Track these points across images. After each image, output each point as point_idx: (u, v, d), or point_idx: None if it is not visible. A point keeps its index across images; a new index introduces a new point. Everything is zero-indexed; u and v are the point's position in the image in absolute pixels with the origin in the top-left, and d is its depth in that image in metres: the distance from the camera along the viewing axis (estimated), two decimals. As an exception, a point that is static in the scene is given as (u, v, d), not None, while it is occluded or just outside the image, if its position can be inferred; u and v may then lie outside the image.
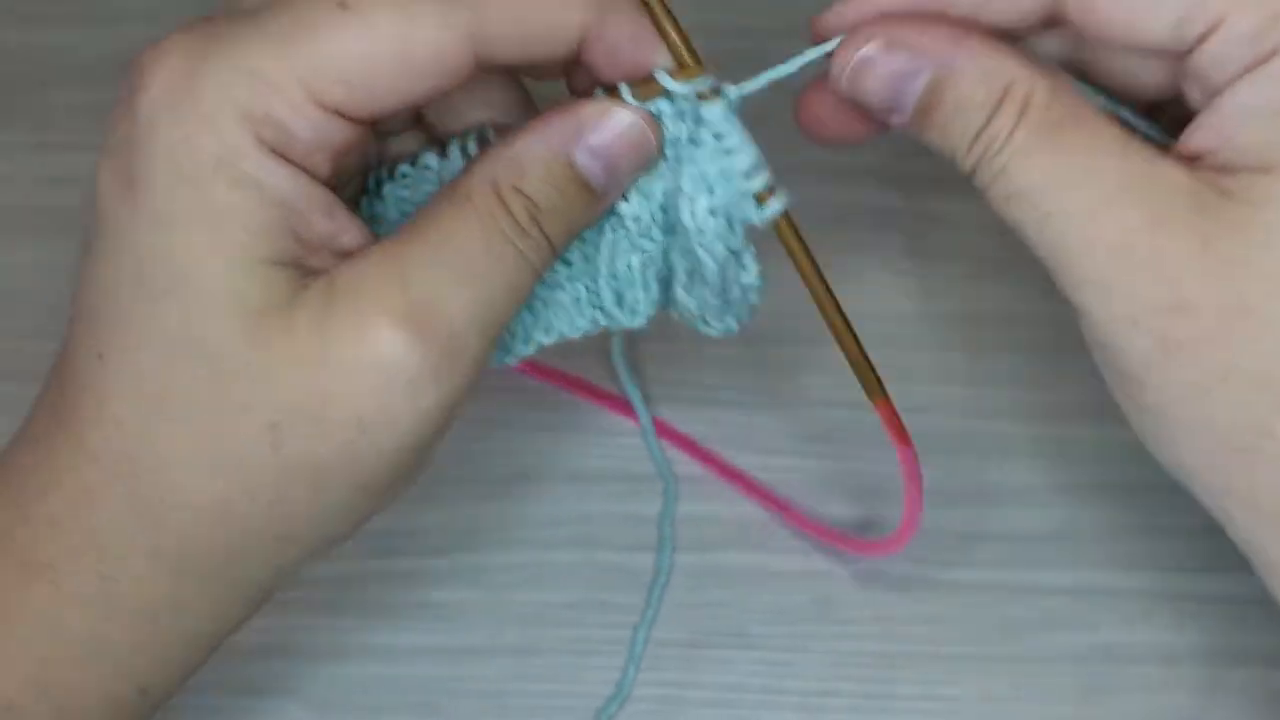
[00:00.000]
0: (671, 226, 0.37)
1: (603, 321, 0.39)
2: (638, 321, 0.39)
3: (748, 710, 0.46)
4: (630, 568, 0.47)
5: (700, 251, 0.36)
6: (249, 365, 0.32)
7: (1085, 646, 0.46)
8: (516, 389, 0.50)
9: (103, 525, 0.34)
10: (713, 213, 0.36)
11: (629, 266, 0.37)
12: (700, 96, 0.35)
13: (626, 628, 0.47)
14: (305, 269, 0.33)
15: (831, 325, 0.37)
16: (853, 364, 0.38)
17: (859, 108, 0.36)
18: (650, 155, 0.35)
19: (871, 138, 0.37)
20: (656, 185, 0.36)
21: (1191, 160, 0.33)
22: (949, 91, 0.34)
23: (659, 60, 0.35)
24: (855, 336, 0.38)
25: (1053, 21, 0.34)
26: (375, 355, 0.32)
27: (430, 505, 0.48)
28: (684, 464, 0.49)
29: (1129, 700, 0.46)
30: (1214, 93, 0.33)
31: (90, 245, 0.34)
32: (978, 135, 0.33)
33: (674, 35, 0.35)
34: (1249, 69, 0.32)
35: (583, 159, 0.34)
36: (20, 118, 0.55)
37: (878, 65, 0.34)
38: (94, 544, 0.34)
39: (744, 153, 0.35)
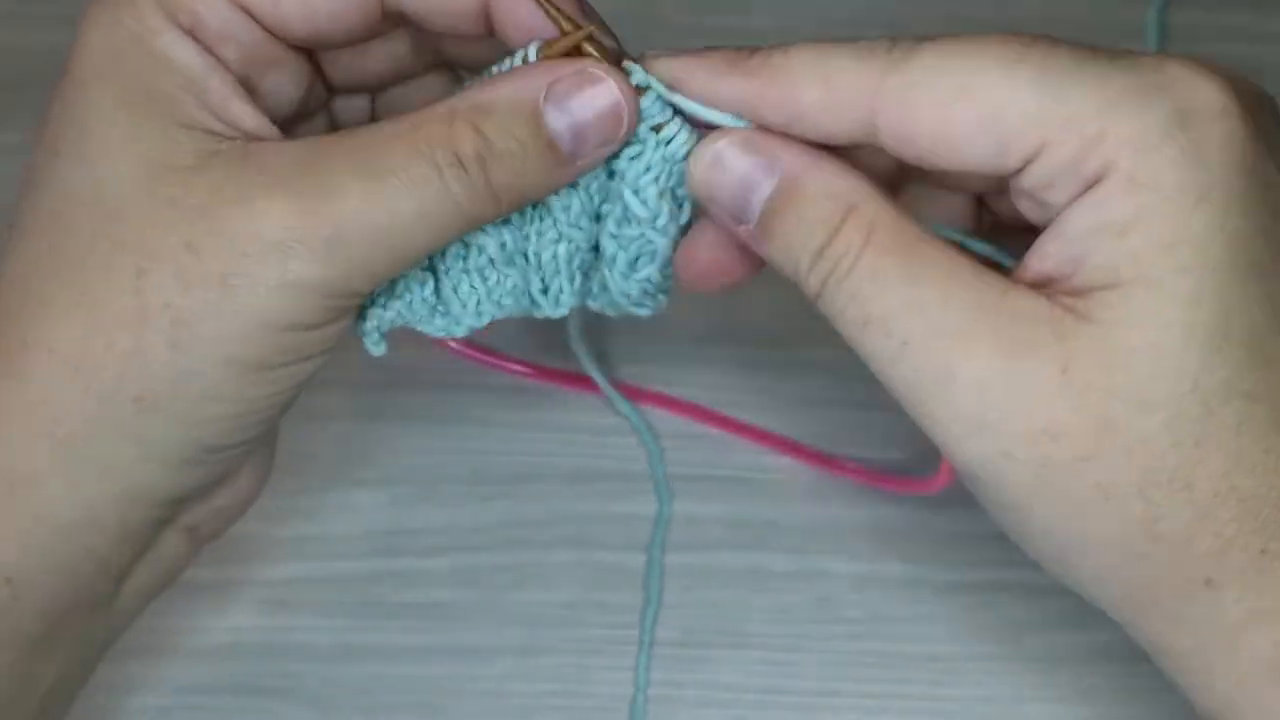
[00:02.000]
0: (597, 214, 0.37)
1: (528, 308, 0.39)
2: (559, 311, 0.39)
3: (748, 710, 0.46)
4: (629, 567, 0.47)
5: (653, 234, 0.36)
6: (136, 210, 0.33)
7: (1085, 646, 0.46)
8: (516, 389, 0.50)
9: None
10: (662, 196, 0.36)
11: (554, 256, 0.37)
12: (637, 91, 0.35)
13: (625, 627, 0.47)
14: (217, 135, 0.34)
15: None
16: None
17: (714, 215, 0.36)
18: (622, 132, 0.35)
19: (748, 277, 0.37)
20: (587, 175, 0.36)
21: (1043, 286, 0.32)
22: (794, 204, 0.34)
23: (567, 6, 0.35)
24: None
25: (869, 144, 0.34)
26: (251, 217, 0.32)
27: (430, 505, 0.48)
28: (684, 465, 0.49)
29: (1129, 700, 0.45)
30: (1048, 211, 0.32)
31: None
32: (820, 252, 0.33)
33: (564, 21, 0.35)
34: (1079, 192, 0.32)
35: (552, 116, 0.34)
36: (20, 118, 0.55)
37: (728, 167, 0.34)
38: None
39: (681, 137, 0.35)
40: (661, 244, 0.37)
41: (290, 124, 0.38)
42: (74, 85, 0.34)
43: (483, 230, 0.36)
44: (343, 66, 0.38)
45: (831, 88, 0.33)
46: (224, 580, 0.47)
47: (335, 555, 0.48)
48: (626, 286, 0.38)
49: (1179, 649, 0.34)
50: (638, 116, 0.35)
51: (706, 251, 0.37)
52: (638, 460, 0.49)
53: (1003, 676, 0.46)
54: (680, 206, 0.37)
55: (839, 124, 0.33)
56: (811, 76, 0.33)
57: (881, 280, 0.32)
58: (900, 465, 0.48)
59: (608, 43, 0.35)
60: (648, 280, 0.38)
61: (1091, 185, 0.31)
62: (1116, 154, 0.31)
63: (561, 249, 0.37)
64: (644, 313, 0.39)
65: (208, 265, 0.32)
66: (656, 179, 0.36)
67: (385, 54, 0.38)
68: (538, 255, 0.37)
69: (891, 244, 0.33)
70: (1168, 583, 0.33)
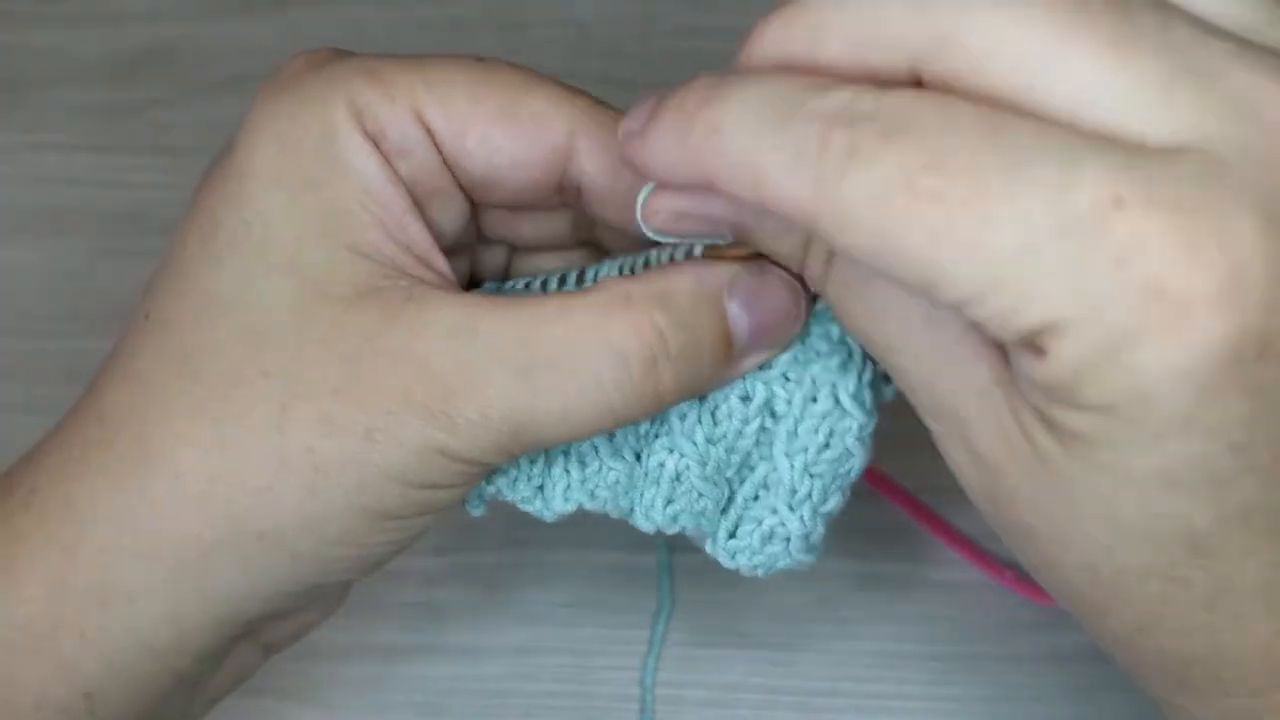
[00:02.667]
0: (737, 445, 0.34)
1: (626, 510, 0.36)
2: (647, 525, 0.35)
3: (748, 710, 0.46)
4: (630, 567, 0.47)
5: (856, 445, 0.34)
6: (288, 338, 0.31)
7: (1085, 646, 0.46)
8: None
9: (81, 491, 0.32)
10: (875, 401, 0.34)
11: (660, 464, 0.34)
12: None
13: (626, 627, 0.47)
14: (398, 269, 0.32)
15: None
16: None
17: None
18: (794, 332, 0.33)
19: None
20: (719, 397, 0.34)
21: None
22: None
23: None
24: None
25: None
26: (403, 384, 0.31)
27: (430, 505, 0.48)
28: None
29: (1129, 700, 0.45)
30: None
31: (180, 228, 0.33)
32: None
33: None
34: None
35: (734, 312, 0.32)
36: (20, 118, 0.55)
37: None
38: (66, 510, 0.32)
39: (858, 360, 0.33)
40: (859, 460, 0.34)
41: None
42: (240, 180, 0.32)
43: None
44: (498, 218, 0.36)
45: (763, 194, 0.27)
46: (224, 580, 0.47)
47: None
48: (814, 526, 0.35)
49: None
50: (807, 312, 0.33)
51: None
52: (638, 460, 0.49)
53: (1003, 676, 0.46)
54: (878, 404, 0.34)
55: (787, 238, 0.31)
56: (742, 179, 0.27)
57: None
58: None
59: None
60: (830, 514, 0.35)
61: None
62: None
63: (670, 461, 0.34)
64: (809, 561, 0.36)
65: (354, 416, 0.31)
66: (869, 380, 0.34)
67: (545, 221, 0.36)
68: (647, 458, 0.34)
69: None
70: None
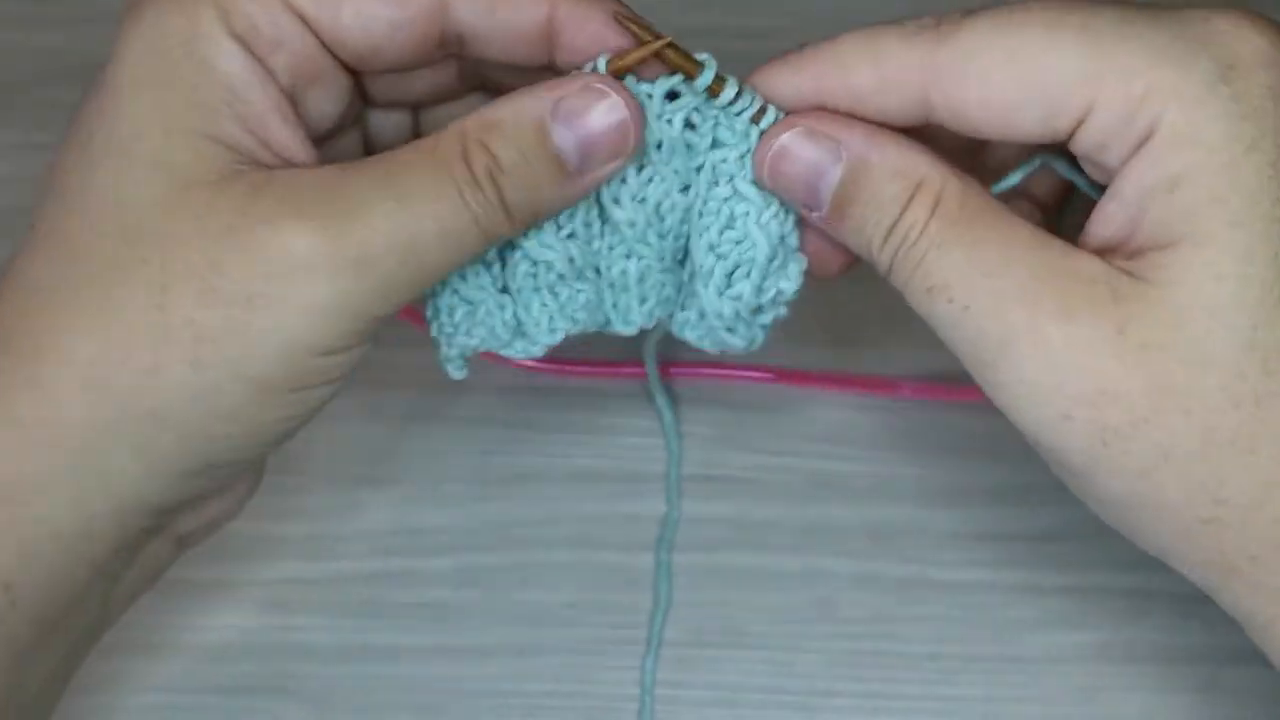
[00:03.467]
0: (683, 231, 0.37)
1: (602, 324, 0.39)
2: (629, 328, 0.38)
3: (748, 710, 0.46)
4: (630, 567, 0.47)
5: (758, 233, 0.36)
6: (160, 226, 0.33)
7: (1085, 646, 0.46)
8: (516, 389, 0.50)
9: None
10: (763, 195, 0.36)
11: (623, 272, 0.37)
12: (711, 91, 0.35)
13: (626, 627, 0.47)
14: (252, 158, 0.33)
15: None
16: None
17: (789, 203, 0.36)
18: (629, 147, 0.34)
19: (841, 272, 0.38)
20: (655, 189, 0.36)
21: (1105, 250, 0.33)
22: (863, 185, 0.34)
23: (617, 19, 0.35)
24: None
25: (930, 121, 0.34)
26: (279, 240, 0.32)
27: (430, 505, 0.48)
28: (684, 465, 0.49)
29: (1129, 700, 0.46)
30: (1105, 172, 0.33)
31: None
32: (891, 229, 0.34)
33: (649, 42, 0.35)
34: (1132, 151, 0.32)
35: (558, 132, 0.34)
36: (19, 118, 0.55)
37: (796, 154, 0.35)
38: None
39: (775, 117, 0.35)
40: (763, 247, 0.36)
41: (325, 138, 0.37)
42: (110, 90, 0.33)
43: (549, 246, 0.36)
44: (385, 84, 0.38)
45: (882, 68, 0.33)
46: (224, 580, 0.47)
47: (335, 555, 0.48)
48: (720, 305, 0.37)
49: (1255, 611, 0.33)
50: (643, 130, 0.35)
51: (809, 242, 0.37)
52: (638, 460, 0.49)
53: (1003, 676, 0.46)
54: (785, 210, 0.36)
55: (895, 104, 0.34)
56: (862, 59, 0.33)
57: (945, 249, 0.33)
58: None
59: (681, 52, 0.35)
60: (739, 298, 0.37)
61: (1143, 142, 0.31)
62: (1163, 109, 0.31)
63: (632, 265, 0.37)
64: (738, 343, 0.39)
65: (233, 285, 0.32)
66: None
67: (430, 77, 0.38)
68: (608, 269, 0.37)
69: (956, 214, 0.33)
70: (1238, 548, 0.32)
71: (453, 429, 0.49)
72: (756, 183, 0.36)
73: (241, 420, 0.34)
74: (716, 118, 0.35)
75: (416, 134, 0.39)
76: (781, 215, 0.36)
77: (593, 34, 0.35)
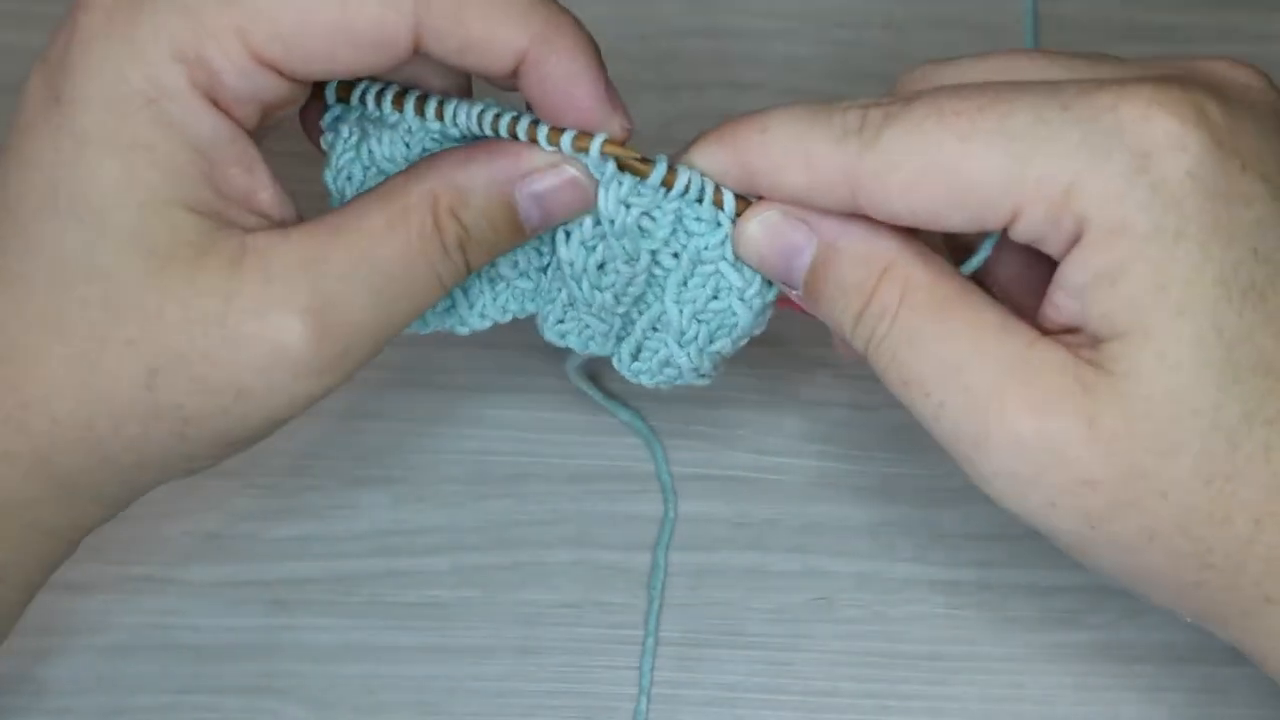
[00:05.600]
0: (627, 292, 0.38)
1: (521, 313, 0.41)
2: (545, 334, 0.40)
3: (748, 710, 0.46)
4: (629, 567, 0.47)
5: (740, 307, 0.37)
6: (144, 304, 0.33)
7: (1085, 646, 0.46)
8: (516, 389, 0.50)
9: None
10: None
11: (559, 288, 0.39)
12: (665, 184, 0.36)
13: (626, 627, 0.47)
14: (221, 220, 0.34)
15: None
16: None
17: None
18: (586, 209, 0.36)
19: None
20: (601, 249, 0.37)
21: (1065, 331, 0.33)
22: (831, 269, 0.35)
23: (587, 100, 0.35)
24: None
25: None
26: (272, 338, 0.33)
27: (430, 505, 0.48)
28: (683, 465, 0.49)
29: (1128, 700, 0.46)
30: (1048, 262, 0.33)
31: (5, 150, 0.34)
32: (860, 315, 0.34)
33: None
34: (1067, 246, 0.32)
35: (525, 202, 0.35)
36: (20, 118, 0.55)
37: (772, 236, 0.35)
38: None
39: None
40: (745, 318, 0.37)
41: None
42: (75, 138, 0.33)
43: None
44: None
45: (813, 172, 0.33)
46: (224, 580, 0.47)
47: (335, 555, 0.48)
48: (699, 360, 0.39)
49: (1259, 653, 0.35)
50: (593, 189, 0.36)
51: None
52: (638, 460, 0.49)
53: (1003, 676, 0.46)
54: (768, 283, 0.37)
55: (829, 202, 0.34)
56: (793, 160, 0.34)
57: (915, 342, 0.33)
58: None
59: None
60: (718, 354, 0.39)
61: (1075, 239, 0.32)
62: (1087, 208, 0.31)
63: (564, 292, 0.39)
64: (702, 382, 0.40)
65: (223, 378, 0.33)
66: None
67: (418, 80, 0.37)
68: (550, 276, 0.39)
69: (923, 302, 0.33)
70: (1229, 604, 0.33)
71: (453, 429, 0.49)
72: (737, 261, 0.37)
73: (210, 460, 0.36)
74: (679, 209, 0.36)
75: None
76: (765, 292, 0.37)
77: (564, 73, 0.34)
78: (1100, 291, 0.32)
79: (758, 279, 0.37)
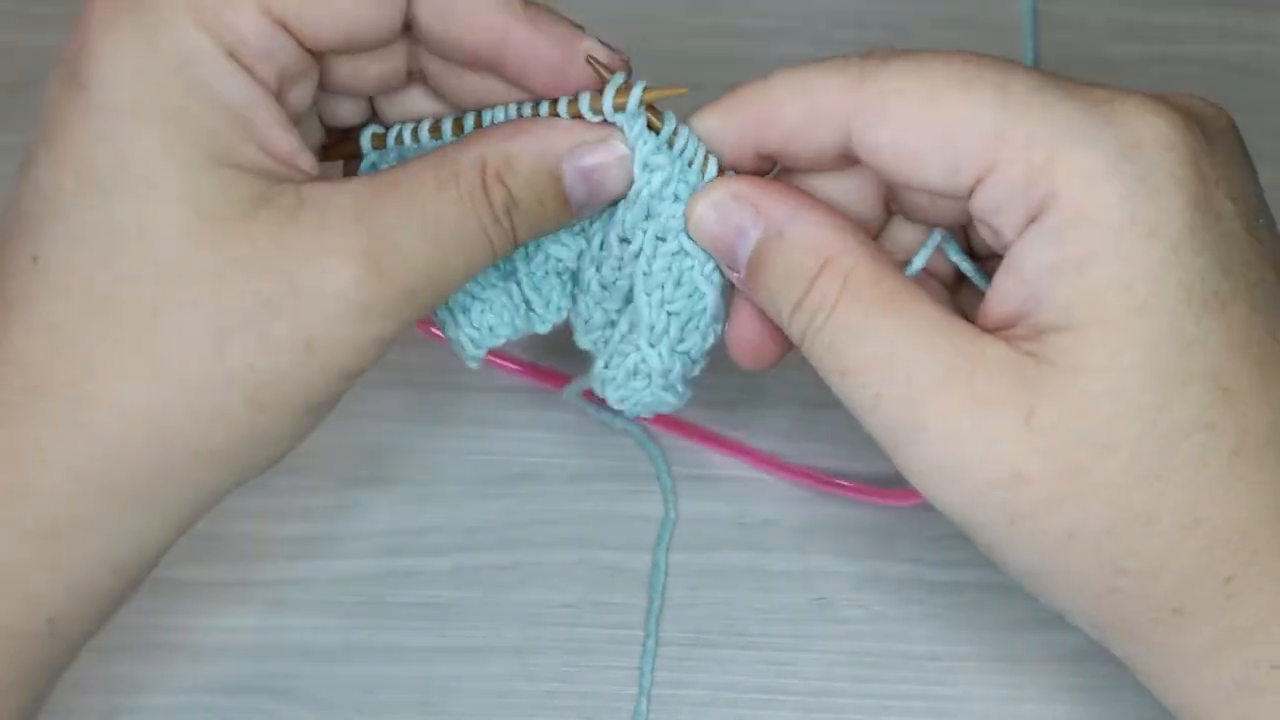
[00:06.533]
0: (628, 289, 0.38)
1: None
2: (544, 328, 0.41)
3: (748, 710, 0.46)
4: (629, 567, 0.47)
5: (704, 284, 0.37)
6: (201, 265, 0.32)
7: (1085, 646, 0.46)
8: (516, 389, 0.50)
9: (20, 436, 0.32)
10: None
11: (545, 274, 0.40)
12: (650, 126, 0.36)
13: (625, 627, 0.47)
14: (273, 176, 0.33)
15: None
16: None
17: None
18: (624, 188, 0.36)
19: (780, 356, 0.38)
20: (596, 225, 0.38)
21: (1004, 329, 0.33)
22: (775, 254, 0.35)
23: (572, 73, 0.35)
24: None
25: (850, 161, 0.35)
26: (333, 283, 0.33)
27: (430, 505, 0.48)
28: (683, 465, 0.49)
29: (1129, 700, 0.45)
30: (1000, 240, 0.33)
31: (34, 150, 0.33)
32: (799, 303, 0.34)
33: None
34: (1025, 222, 0.32)
35: (571, 176, 0.35)
36: (20, 118, 0.55)
37: (720, 214, 0.35)
38: (8, 456, 0.33)
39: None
40: (710, 298, 0.37)
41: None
42: (102, 113, 0.32)
43: (564, 245, 0.39)
44: (343, 76, 0.37)
45: (811, 99, 0.34)
46: (224, 580, 0.47)
47: (335, 555, 0.48)
48: (670, 362, 0.38)
49: (1153, 670, 0.35)
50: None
51: (745, 327, 0.38)
52: (638, 460, 0.49)
53: (1003, 676, 0.46)
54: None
55: (822, 136, 0.34)
56: (792, 93, 0.34)
57: (855, 333, 0.33)
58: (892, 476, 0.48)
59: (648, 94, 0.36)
60: (688, 352, 0.38)
61: (1037, 215, 0.32)
62: (1064, 183, 0.31)
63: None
64: (672, 400, 0.40)
65: (292, 330, 0.33)
66: None
67: (381, 68, 0.38)
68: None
69: (865, 296, 0.33)
70: (1138, 613, 0.33)
71: (453, 429, 0.49)
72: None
73: (287, 443, 0.35)
74: (670, 176, 0.36)
75: (374, 116, 0.39)
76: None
77: (549, 64, 0.35)
78: (1059, 279, 0.31)
79: None
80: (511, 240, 0.36)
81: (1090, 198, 0.31)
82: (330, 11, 0.33)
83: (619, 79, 0.35)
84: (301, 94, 0.36)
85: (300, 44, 0.34)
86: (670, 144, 0.36)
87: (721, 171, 0.36)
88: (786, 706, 0.46)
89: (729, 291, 0.38)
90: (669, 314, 0.38)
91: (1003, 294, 0.33)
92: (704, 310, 0.38)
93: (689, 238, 0.36)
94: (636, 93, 0.35)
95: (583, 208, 0.36)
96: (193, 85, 0.32)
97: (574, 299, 0.40)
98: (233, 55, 0.33)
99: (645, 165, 0.36)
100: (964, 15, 0.55)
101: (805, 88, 0.34)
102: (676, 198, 0.36)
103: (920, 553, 0.47)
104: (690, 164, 0.36)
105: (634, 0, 0.56)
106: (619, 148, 0.36)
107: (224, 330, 0.32)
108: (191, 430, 0.33)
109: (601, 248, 0.38)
